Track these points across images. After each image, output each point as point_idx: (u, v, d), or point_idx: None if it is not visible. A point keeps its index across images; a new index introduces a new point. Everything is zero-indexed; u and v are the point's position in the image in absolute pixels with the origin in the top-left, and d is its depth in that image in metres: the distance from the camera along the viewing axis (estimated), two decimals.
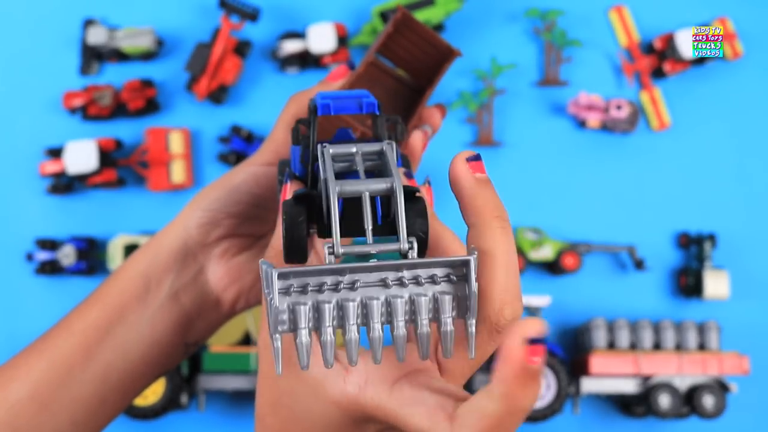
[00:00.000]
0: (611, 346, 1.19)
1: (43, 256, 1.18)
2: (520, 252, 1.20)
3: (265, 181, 0.53)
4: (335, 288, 0.35)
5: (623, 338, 1.18)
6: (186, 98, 1.23)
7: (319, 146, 0.38)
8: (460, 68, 1.25)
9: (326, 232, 0.39)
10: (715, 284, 1.19)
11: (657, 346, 1.19)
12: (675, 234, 1.25)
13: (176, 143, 1.20)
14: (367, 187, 0.35)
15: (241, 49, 1.21)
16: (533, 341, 0.32)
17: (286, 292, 0.35)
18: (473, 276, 0.35)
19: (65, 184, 1.19)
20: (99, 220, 1.21)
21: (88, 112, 1.20)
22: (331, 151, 0.37)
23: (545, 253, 1.20)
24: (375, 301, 0.35)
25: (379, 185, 0.35)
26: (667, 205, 1.24)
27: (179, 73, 1.23)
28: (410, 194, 0.37)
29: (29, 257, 1.18)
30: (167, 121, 1.23)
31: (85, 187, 1.21)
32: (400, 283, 0.36)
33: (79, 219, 1.21)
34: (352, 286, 0.35)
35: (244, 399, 1.22)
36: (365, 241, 0.36)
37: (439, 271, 0.36)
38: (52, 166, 1.18)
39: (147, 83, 1.20)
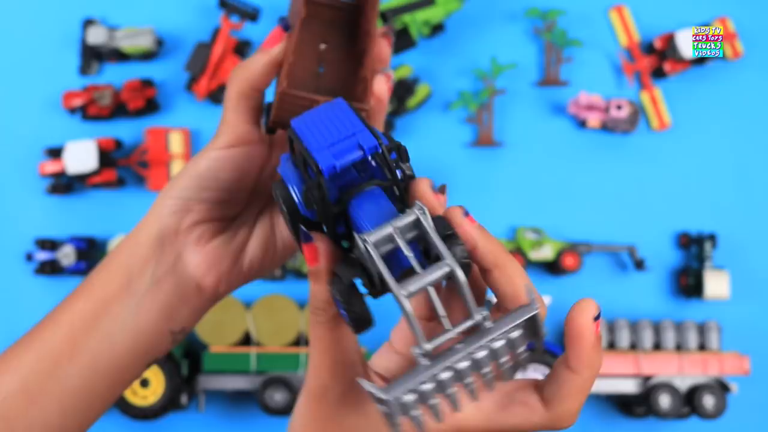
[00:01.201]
0: (612, 346, 1.19)
1: (42, 256, 1.18)
2: (521, 252, 1.20)
3: (230, 164, 0.54)
4: (435, 378, 0.37)
5: (623, 338, 1.18)
6: (186, 98, 1.23)
7: (361, 242, 0.38)
8: (460, 68, 1.25)
9: (376, 293, 0.40)
10: (716, 284, 1.19)
11: (657, 346, 1.19)
12: (675, 234, 1.25)
13: (176, 143, 1.20)
14: (429, 281, 0.37)
15: (241, 49, 1.21)
16: (595, 318, 0.38)
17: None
18: (542, 327, 0.37)
19: (65, 184, 1.19)
20: (99, 220, 1.21)
21: (87, 112, 1.20)
22: (372, 240, 0.38)
23: (545, 253, 1.20)
24: (465, 366, 0.38)
25: (438, 274, 0.37)
26: (667, 205, 1.24)
27: (179, 73, 1.23)
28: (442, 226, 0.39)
29: (29, 257, 1.18)
30: (167, 121, 1.23)
31: (85, 187, 1.21)
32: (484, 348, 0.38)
33: (79, 219, 1.21)
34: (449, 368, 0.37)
35: (244, 399, 1.22)
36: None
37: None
38: (52, 166, 1.18)
39: (147, 83, 1.20)
